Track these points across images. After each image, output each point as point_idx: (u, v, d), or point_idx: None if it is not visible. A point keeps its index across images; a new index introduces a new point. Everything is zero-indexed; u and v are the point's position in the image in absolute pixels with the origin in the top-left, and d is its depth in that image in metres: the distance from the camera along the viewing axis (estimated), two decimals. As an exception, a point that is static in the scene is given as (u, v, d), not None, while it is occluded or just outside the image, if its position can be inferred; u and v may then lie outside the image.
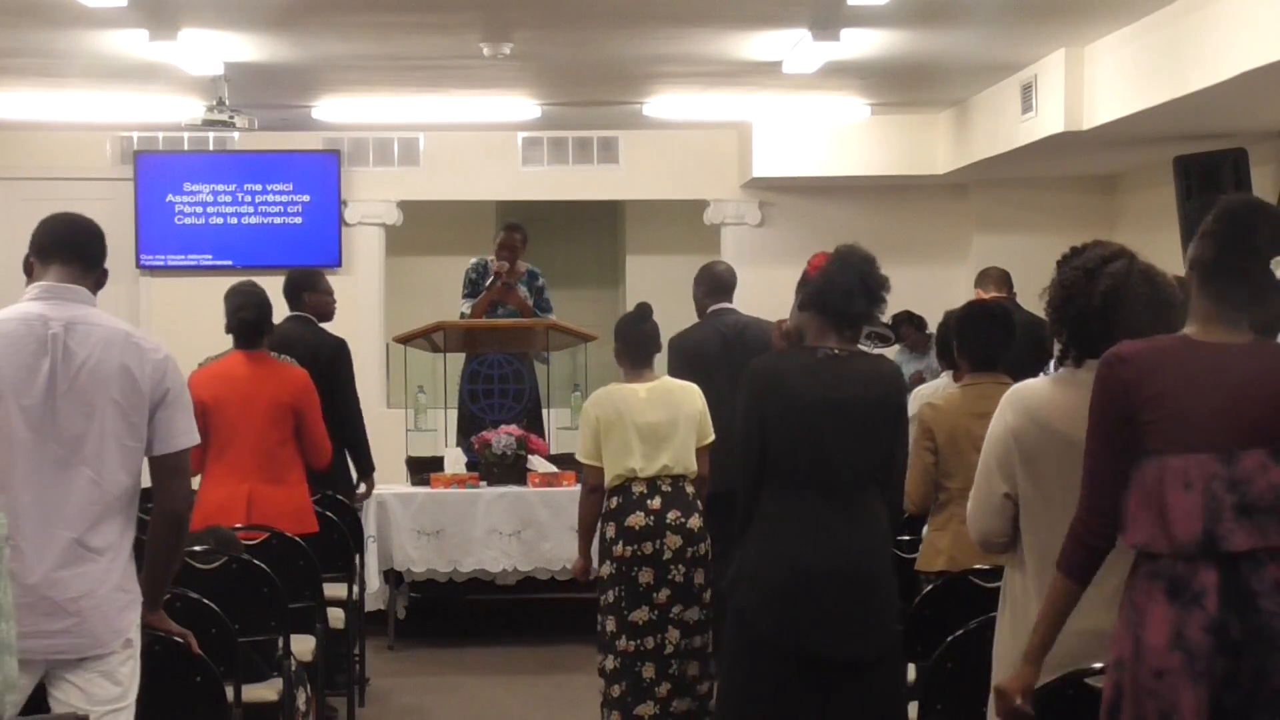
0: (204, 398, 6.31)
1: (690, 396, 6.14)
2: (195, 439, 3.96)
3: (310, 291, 7.88)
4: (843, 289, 4.57)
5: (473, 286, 9.35)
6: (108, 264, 4.09)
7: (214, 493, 6.32)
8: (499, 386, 9.17)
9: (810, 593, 4.49)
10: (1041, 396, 3.61)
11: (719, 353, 7.25)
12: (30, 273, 4.03)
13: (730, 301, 7.59)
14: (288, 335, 7.33)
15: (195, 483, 6.52)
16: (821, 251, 4.68)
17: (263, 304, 6.56)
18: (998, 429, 3.65)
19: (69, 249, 3.99)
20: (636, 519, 5.96)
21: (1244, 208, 3.31)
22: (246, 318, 6.49)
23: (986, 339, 5.38)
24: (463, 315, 9.29)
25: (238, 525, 6.04)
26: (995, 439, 3.66)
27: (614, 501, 6.02)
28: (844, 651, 4.50)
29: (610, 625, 6.01)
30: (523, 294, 9.30)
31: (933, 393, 6.13)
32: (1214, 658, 3.11)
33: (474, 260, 9.48)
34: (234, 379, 6.41)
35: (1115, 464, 3.23)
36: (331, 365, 7.55)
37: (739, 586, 4.67)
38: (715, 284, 7.56)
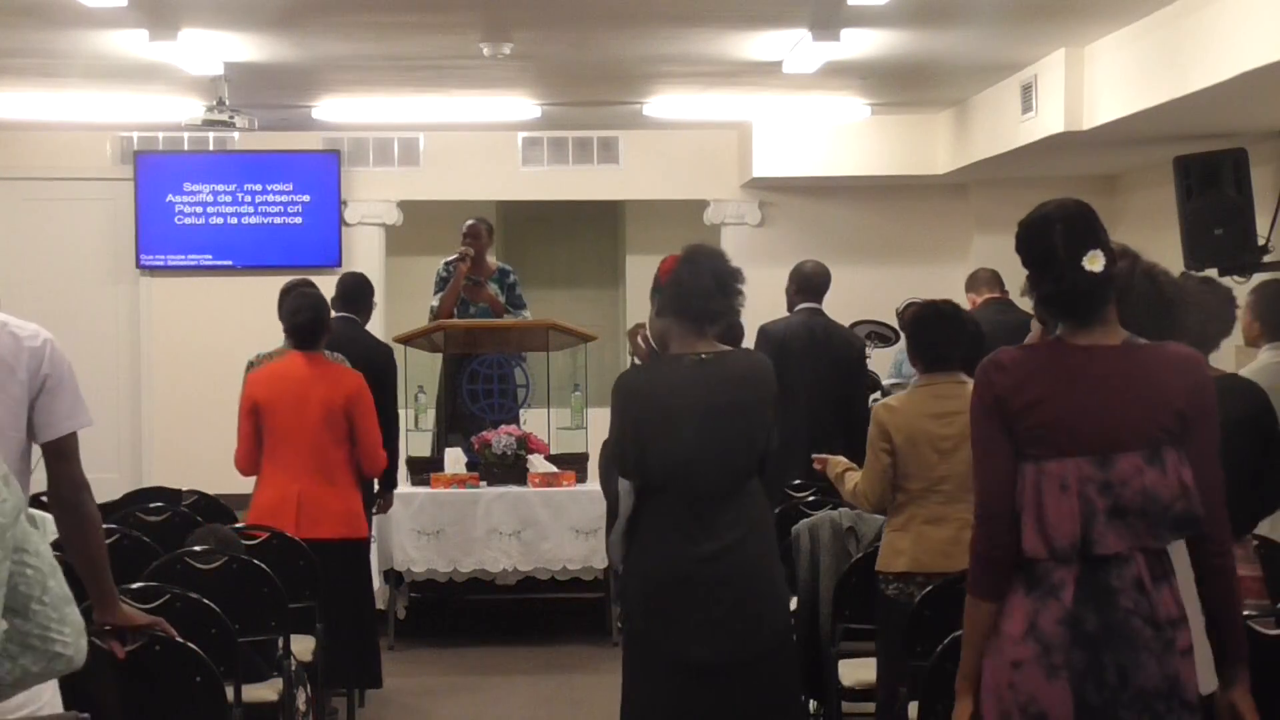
0: (257, 397, 6.38)
1: None
2: (81, 422, 3.78)
3: (372, 297, 7.87)
4: (698, 290, 4.52)
5: (443, 283, 9.37)
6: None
7: (266, 493, 6.38)
8: (499, 386, 9.17)
9: (681, 597, 4.47)
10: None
11: (805, 347, 7.73)
12: None
13: (820, 302, 8.02)
14: (339, 336, 7.33)
15: (250, 483, 6.58)
16: (670, 255, 4.63)
17: (319, 305, 6.57)
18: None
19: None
20: None
21: (1032, 228, 3.30)
22: (302, 321, 6.49)
23: (937, 339, 5.39)
24: (432, 309, 9.31)
25: (285, 528, 6.08)
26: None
27: None
28: (716, 654, 4.47)
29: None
30: (493, 290, 9.30)
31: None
32: (1070, 650, 3.13)
33: (445, 260, 9.48)
34: (289, 379, 6.42)
35: (1000, 470, 3.24)
36: (384, 371, 7.53)
37: (622, 596, 4.70)
38: (806, 283, 8.02)
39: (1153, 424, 3.19)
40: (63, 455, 3.74)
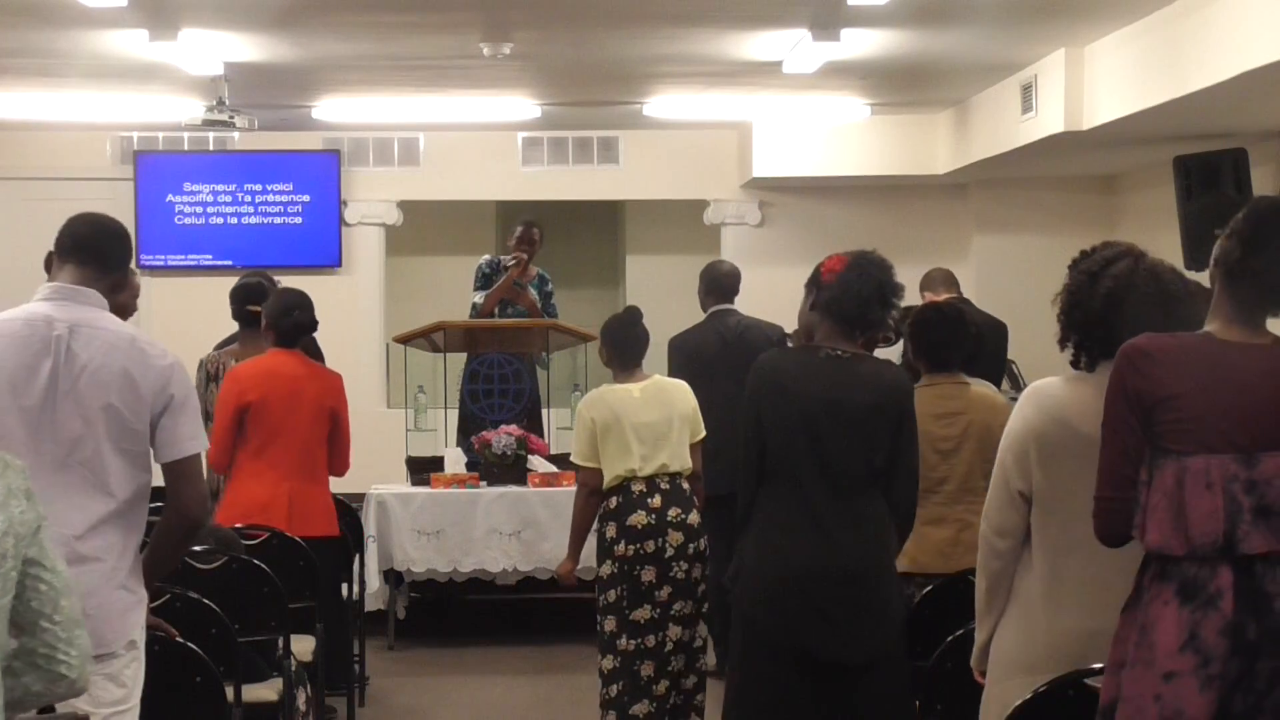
0: (249, 397, 6.33)
1: (683, 394, 6.15)
2: (201, 445, 3.92)
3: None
4: (860, 298, 4.57)
5: (485, 280, 9.36)
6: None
7: (254, 490, 6.31)
8: (499, 386, 9.17)
9: (803, 591, 4.48)
10: (1061, 394, 3.58)
11: (717, 354, 7.29)
12: (50, 269, 4.02)
13: (731, 302, 7.63)
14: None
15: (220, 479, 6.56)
16: (837, 254, 4.66)
17: (310, 305, 6.55)
18: (1017, 426, 3.62)
19: (86, 250, 3.98)
20: (638, 518, 5.96)
21: (1273, 210, 3.29)
22: (303, 320, 6.48)
23: (939, 340, 5.40)
24: (474, 306, 9.31)
25: (277, 525, 6.06)
26: (1014, 436, 3.62)
27: (613, 501, 6.02)
28: (835, 652, 4.49)
29: (610, 625, 6.01)
30: (533, 296, 9.32)
31: None
32: (1229, 660, 3.09)
33: (486, 257, 9.53)
34: (282, 378, 6.39)
35: (1130, 456, 3.21)
36: None
37: (738, 582, 4.68)
38: (715, 285, 7.66)
39: None
40: (186, 476, 3.89)
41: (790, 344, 6.82)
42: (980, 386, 5.53)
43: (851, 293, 4.56)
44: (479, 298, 9.31)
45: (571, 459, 6.30)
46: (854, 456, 4.54)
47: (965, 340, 5.42)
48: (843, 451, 4.53)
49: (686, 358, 7.34)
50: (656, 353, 7.17)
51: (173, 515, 3.94)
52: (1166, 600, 3.14)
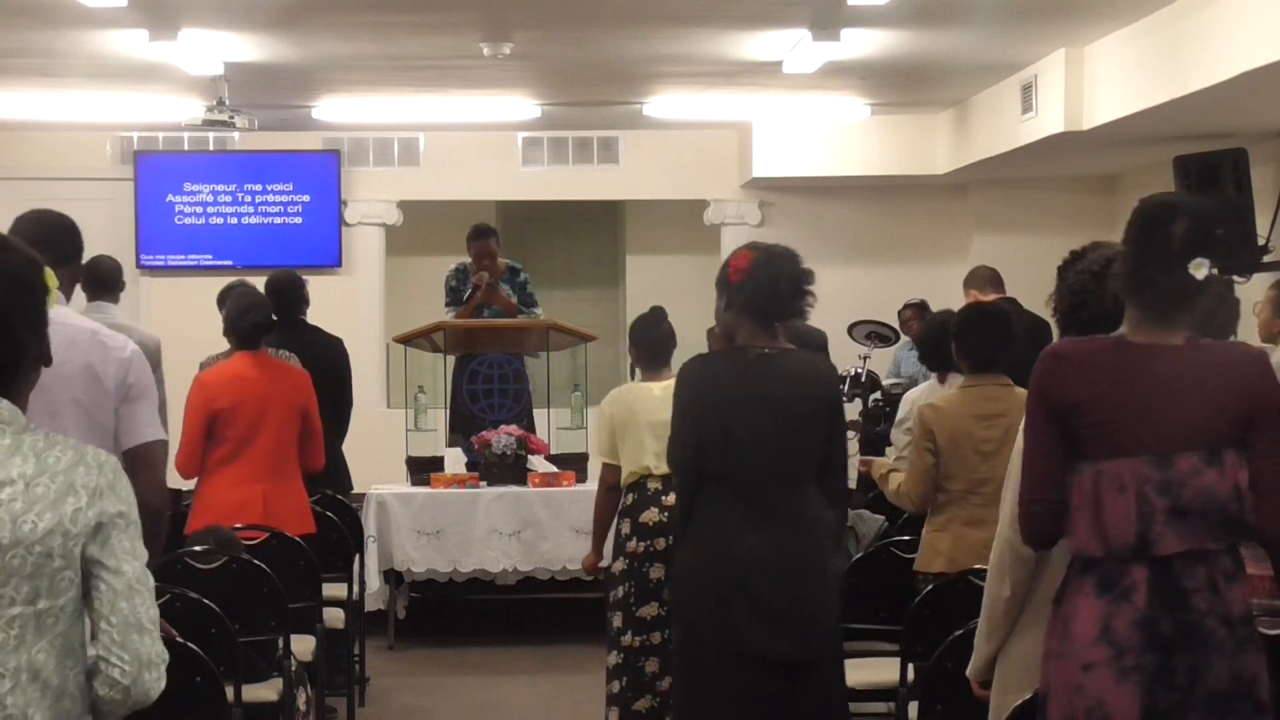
0: (219, 403, 6.32)
1: None
2: (161, 433, 3.92)
3: (303, 290, 8.01)
4: (774, 293, 4.54)
5: (453, 294, 9.32)
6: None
7: (228, 494, 6.29)
8: (499, 386, 9.17)
9: (741, 591, 4.47)
10: None
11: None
12: None
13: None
14: (291, 336, 7.44)
15: (191, 483, 6.55)
16: (740, 251, 4.64)
17: (265, 306, 6.58)
18: None
19: (36, 246, 3.96)
20: (650, 515, 5.97)
21: (1156, 213, 3.27)
22: (258, 321, 6.47)
23: (986, 340, 5.38)
24: None
25: (253, 524, 6.04)
26: None
27: (629, 498, 6.05)
28: (777, 650, 4.46)
29: (617, 621, 6.02)
30: (505, 292, 9.28)
31: (919, 396, 6.13)
32: (1143, 653, 3.10)
33: (453, 266, 9.42)
34: (248, 381, 6.39)
35: (1049, 460, 3.22)
36: (339, 366, 7.83)
37: (676, 585, 4.69)
38: None
39: (1214, 424, 3.15)
40: (146, 464, 3.86)
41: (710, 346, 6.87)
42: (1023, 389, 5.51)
43: (765, 289, 4.53)
44: (451, 315, 9.24)
45: (596, 455, 6.35)
46: (791, 454, 4.52)
47: (1009, 341, 5.40)
48: (780, 450, 4.51)
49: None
50: (687, 353, 7.20)
51: (141, 511, 3.91)
52: (1086, 592, 3.17)
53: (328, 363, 7.76)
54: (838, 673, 4.63)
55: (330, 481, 7.42)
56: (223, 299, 7.05)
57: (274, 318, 6.67)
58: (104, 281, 7.34)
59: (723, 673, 4.49)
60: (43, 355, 2.76)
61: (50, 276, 2.68)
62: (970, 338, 5.41)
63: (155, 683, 2.65)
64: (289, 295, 7.88)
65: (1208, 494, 3.12)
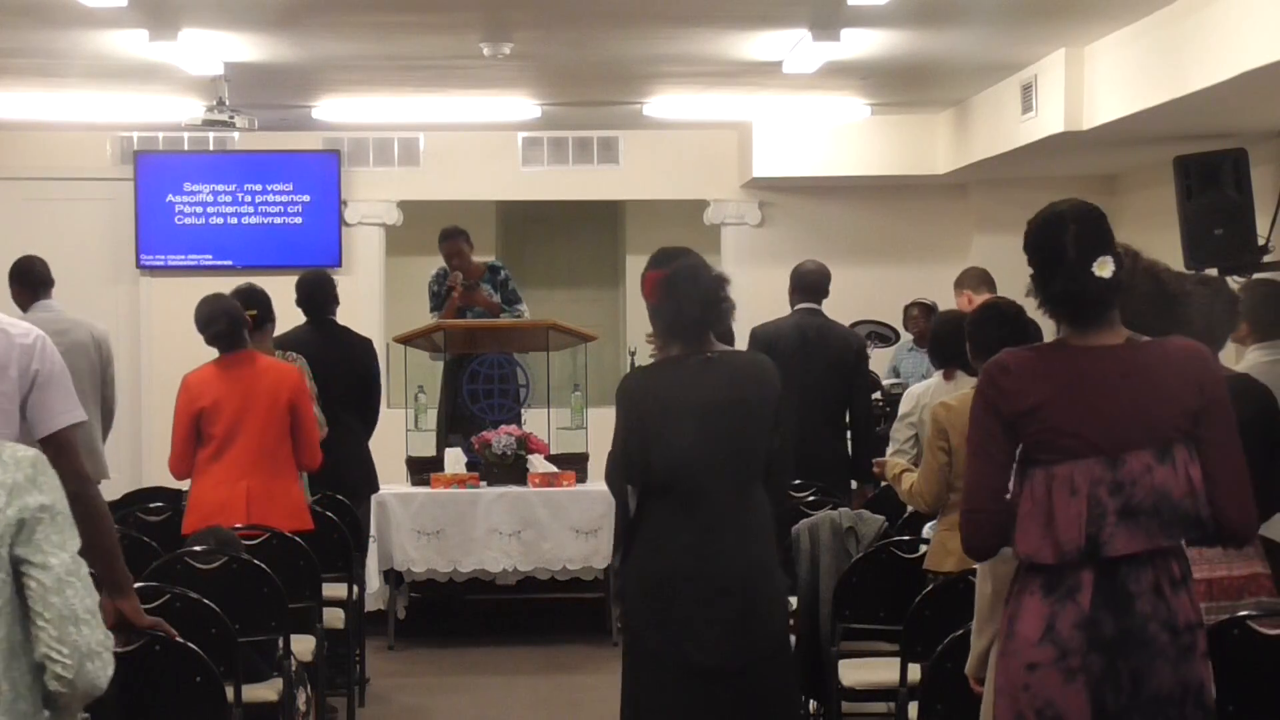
0: (201, 403, 6.34)
1: None
2: (76, 417, 3.82)
3: (332, 289, 8.11)
4: (685, 313, 4.54)
5: (435, 299, 9.37)
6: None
7: (213, 492, 6.31)
8: (499, 386, 9.17)
9: (680, 599, 4.47)
10: None
11: (795, 348, 7.57)
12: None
13: (818, 303, 7.92)
14: (312, 338, 7.62)
15: (186, 485, 6.56)
16: (647, 275, 4.62)
17: (231, 311, 6.52)
18: None
19: None
20: None
21: (1046, 228, 3.27)
22: (219, 331, 6.47)
23: (1000, 338, 5.36)
24: None
25: (238, 525, 6.04)
26: None
27: None
28: (714, 657, 4.46)
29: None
30: (486, 292, 9.29)
31: (924, 392, 6.12)
32: (1086, 654, 3.11)
33: (435, 271, 9.47)
34: (229, 378, 6.41)
35: (994, 471, 3.22)
36: (368, 366, 8.09)
37: (622, 594, 4.69)
38: (800, 282, 7.94)
39: (1162, 421, 3.16)
40: (63, 450, 3.73)
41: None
42: None
43: (684, 307, 4.53)
44: (433, 320, 9.28)
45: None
46: (738, 457, 4.52)
47: (1024, 339, 5.39)
48: (726, 454, 4.51)
49: (763, 347, 7.45)
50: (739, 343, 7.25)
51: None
52: (1032, 591, 3.20)
53: (356, 362, 7.83)
54: (787, 676, 4.63)
55: (358, 480, 7.46)
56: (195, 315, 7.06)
57: (248, 318, 6.62)
58: (40, 280, 7.52)
59: (668, 680, 4.49)
60: None
61: None
62: (985, 336, 5.40)
63: (100, 670, 2.62)
64: (318, 296, 7.95)
65: (1159, 492, 3.13)
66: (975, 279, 8.30)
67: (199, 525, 6.03)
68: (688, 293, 4.53)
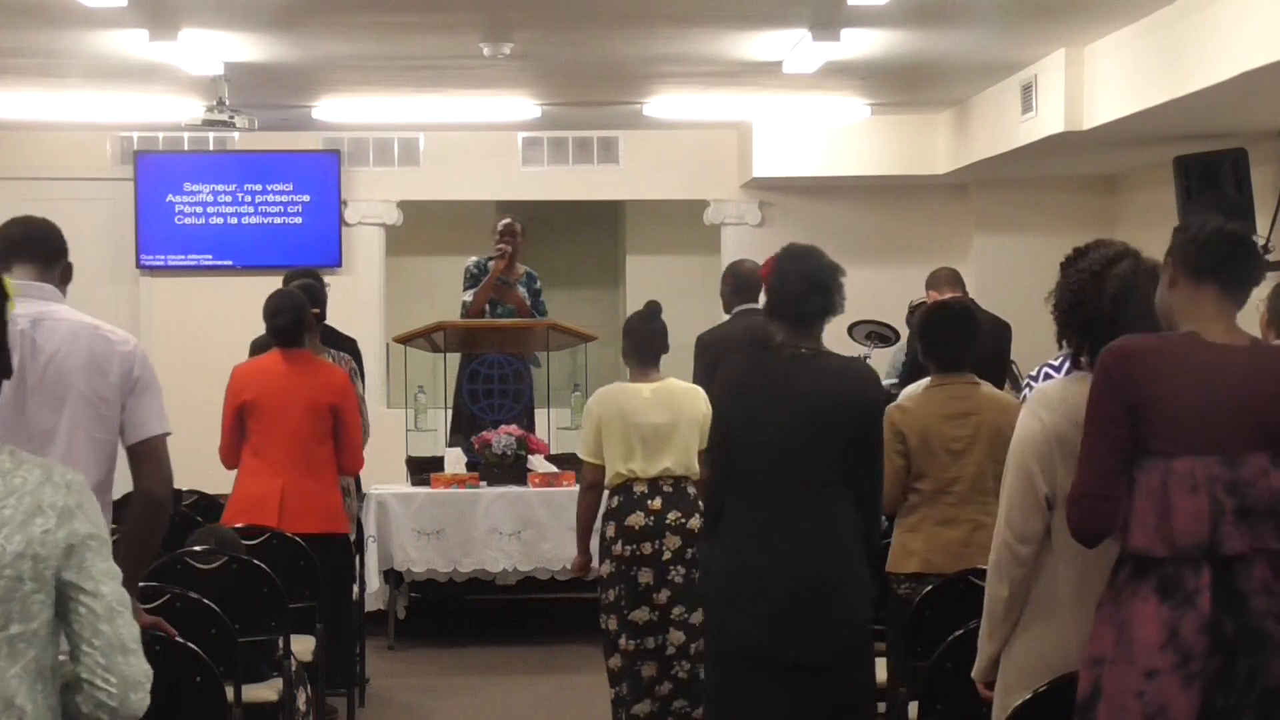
0: (244, 396, 6.40)
1: (694, 398, 6.13)
2: (165, 427, 3.96)
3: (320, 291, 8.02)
4: (792, 295, 4.58)
5: (474, 280, 9.36)
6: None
7: (250, 487, 6.38)
8: (499, 386, 9.17)
9: (765, 593, 4.48)
10: (1070, 396, 3.53)
11: None
12: None
13: (757, 302, 7.61)
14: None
15: (230, 477, 6.59)
16: (771, 257, 4.70)
17: (299, 305, 6.57)
18: (1035, 430, 3.50)
19: (25, 249, 4.02)
20: (636, 519, 5.96)
21: (1224, 236, 3.34)
22: (282, 324, 6.50)
23: (949, 339, 5.38)
24: (464, 304, 9.31)
25: (270, 519, 6.11)
26: (1035, 440, 3.50)
27: (615, 501, 6.03)
28: (797, 653, 4.47)
29: (611, 624, 6.02)
30: (521, 294, 9.32)
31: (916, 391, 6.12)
32: (1209, 658, 3.10)
33: (474, 258, 9.50)
34: (273, 375, 6.45)
35: (1115, 456, 3.21)
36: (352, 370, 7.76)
37: (705, 586, 4.69)
38: (741, 283, 7.49)
39: (1278, 425, 3.17)
40: (151, 457, 3.93)
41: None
42: (991, 387, 5.51)
43: (781, 293, 4.58)
44: (469, 296, 9.32)
45: (578, 453, 6.33)
46: (820, 454, 4.52)
47: (976, 339, 5.40)
48: (809, 449, 4.51)
49: (715, 356, 7.35)
50: (685, 354, 7.21)
51: (139, 498, 3.96)
52: (1145, 597, 3.16)
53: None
54: (864, 676, 4.64)
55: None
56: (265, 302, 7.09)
57: (313, 317, 6.69)
58: None
59: (746, 674, 4.51)
60: (3, 368, 2.64)
61: (8, 283, 2.62)
62: (936, 337, 5.41)
63: (140, 702, 2.64)
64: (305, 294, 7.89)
65: (1273, 494, 3.13)
66: (942, 280, 8.29)
67: (236, 518, 6.16)
68: (786, 279, 4.56)
